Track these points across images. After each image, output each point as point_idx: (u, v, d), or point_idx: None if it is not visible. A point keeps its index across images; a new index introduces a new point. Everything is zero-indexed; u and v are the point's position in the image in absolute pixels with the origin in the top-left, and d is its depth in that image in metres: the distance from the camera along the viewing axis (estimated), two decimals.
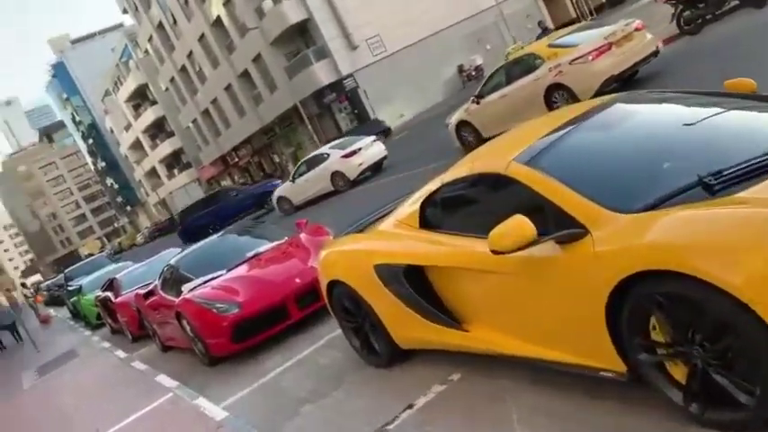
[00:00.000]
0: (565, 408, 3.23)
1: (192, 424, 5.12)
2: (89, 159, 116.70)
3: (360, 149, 19.05)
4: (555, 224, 2.96)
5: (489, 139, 12.75)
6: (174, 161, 69.63)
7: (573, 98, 11.24)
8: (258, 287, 6.76)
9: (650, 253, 2.54)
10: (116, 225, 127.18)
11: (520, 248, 2.91)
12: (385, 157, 19.55)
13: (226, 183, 60.82)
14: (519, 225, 2.92)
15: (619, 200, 2.86)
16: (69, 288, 21.36)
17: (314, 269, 6.67)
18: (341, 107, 39.57)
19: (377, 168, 19.35)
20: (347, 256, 4.63)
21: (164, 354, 9.08)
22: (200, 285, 7.39)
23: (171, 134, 65.43)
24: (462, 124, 13.82)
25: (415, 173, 15.56)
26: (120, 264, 18.70)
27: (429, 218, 3.99)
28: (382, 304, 4.28)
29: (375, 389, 4.47)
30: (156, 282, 8.96)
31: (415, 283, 3.95)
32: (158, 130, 68.19)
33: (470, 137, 13.71)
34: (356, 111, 38.13)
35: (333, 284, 4.76)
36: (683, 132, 3.26)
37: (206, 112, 54.40)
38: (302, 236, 7.65)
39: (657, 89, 5.72)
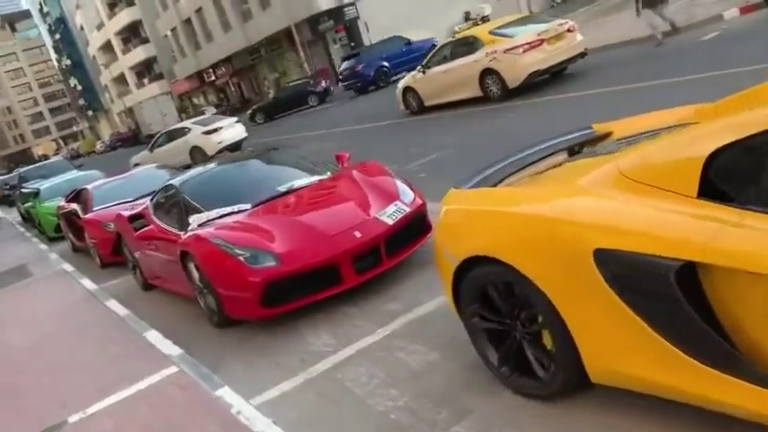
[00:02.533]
0: None
1: None
2: (53, 56, 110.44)
3: (221, 128, 20.16)
4: None
5: (431, 107, 14.55)
6: (146, 70, 65.74)
7: (503, 84, 12.37)
8: (302, 236, 4.98)
9: None
10: (75, 129, 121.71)
11: None
12: (245, 138, 20.79)
13: (199, 101, 57.75)
14: None
15: None
16: (24, 190, 19.08)
17: (378, 222, 4.99)
18: (336, 37, 37.05)
19: (236, 148, 19.97)
20: (516, 223, 2.89)
21: (145, 293, 7.29)
22: (215, 219, 5.60)
23: (146, 40, 61.41)
24: (408, 89, 15.08)
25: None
26: (86, 172, 16.52)
27: (723, 184, 2.28)
28: (589, 311, 2.60)
29: None
30: (147, 204, 7.11)
31: (687, 294, 2.27)
32: (133, 34, 63.96)
33: (414, 102, 15.04)
34: (353, 43, 35.67)
35: (472, 261, 3.05)
36: None
37: (187, 22, 50.87)
38: (355, 173, 5.86)
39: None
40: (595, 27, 18.75)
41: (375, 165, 6.07)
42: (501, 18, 14.72)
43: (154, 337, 5.30)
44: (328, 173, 6.14)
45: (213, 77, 52.80)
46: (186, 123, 22.16)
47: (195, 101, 59.02)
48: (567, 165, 3.40)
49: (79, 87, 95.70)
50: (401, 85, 15.33)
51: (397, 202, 5.28)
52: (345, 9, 34.75)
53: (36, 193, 15.83)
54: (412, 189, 5.55)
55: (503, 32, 12.73)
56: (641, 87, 9.67)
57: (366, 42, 34.80)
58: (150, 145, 21.89)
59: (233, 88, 52.11)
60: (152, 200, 7.07)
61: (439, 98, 14.10)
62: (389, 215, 5.12)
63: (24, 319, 7.28)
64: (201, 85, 55.45)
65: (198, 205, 5.91)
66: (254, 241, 4.97)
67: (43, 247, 13.24)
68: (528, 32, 12.33)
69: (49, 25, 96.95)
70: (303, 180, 5.98)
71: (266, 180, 6.14)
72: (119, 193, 10.04)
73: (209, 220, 5.63)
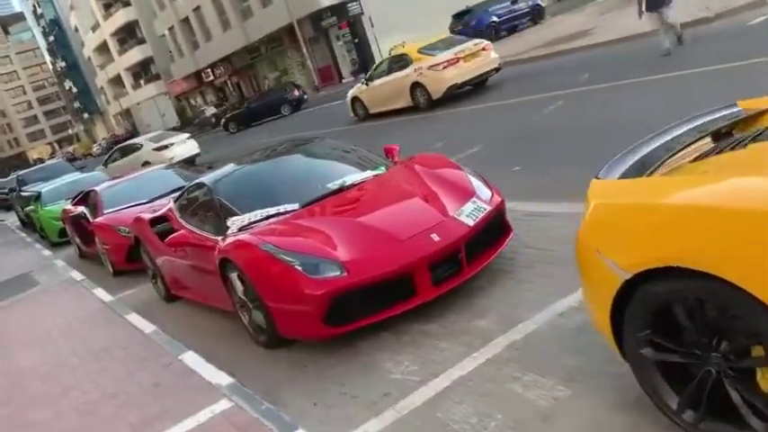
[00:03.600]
0: None
1: None
2: (48, 58, 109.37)
3: (172, 144, 20.43)
4: None
5: (375, 114, 16.60)
6: (142, 71, 64.78)
7: (428, 96, 14.50)
8: (369, 240, 4.23)
9: None
10: (70, 132, 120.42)
11: None
12: (198, 154, 20.93)
13: (196, 102, 56.96)
14: None
15: None
16: (23, 194, 18.27)
17: (457, 222, 4.26)
18: (339, 34, 36.24)
19: (190, 163, 19.87)
20: (730, 222, 2.10)
21: (168, 305, 6.53)
22: (259, 222, 4.84)
23: (142, 41, 60.44)
24: (355, 99, 17.24)
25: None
26: (88, 174, 15.72)
27: None
28: None
29: None
30: (171, 206, 6.35)
31: None
32: (129, 34, 63.00)
33: (360, 110, 17.12)
34: (357, 40, 34.88)
35: (657, 273, 2.28)
36: None
37: (185, 21, 49.98)
38: (418, 167, 5.11)
39: None
40: (611, 19, 18.08)
41: (439, 157, 5.32)
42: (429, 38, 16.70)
43: (192, 360, 4.53)
44: (382, 167, 5.39)
45: (211, 77, 51.90)
46: (139, 139, 23.11)
47: (193, 101, 58.19)
48: (752, 147, 2.65)
49: (74, 90, 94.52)
50: (350, 95, 17.52)
51: (475, 200, 4.53)
52: (349, 5, 33.92)
53: (37, 197, 15.04)
54: (488, 185, 4.80)
55: (428, 51, 14.78)
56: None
57: (371, 38, 34.04)
58: (105, 160, 22.49)
59: (232, 88, 51.26)
60: (176, 201, 6.32)
61: (380, 107, 16.18)
62: (468, 215, 4.38)
63: (34, 337, 6.49)
64: (199, 85, 54.57)
65: (235, 206, 5.14)
66: (312, 247, 4.21)
67: (47, 253, 12.46)
68: (448, 52, 14.39)
69: (43, 27, 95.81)
70: (355, 176, 5.22)
71: (312, 176, 5.38)
72: (130, 194, 9.30)
73: (250, 223, 4.88)
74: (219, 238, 4.90)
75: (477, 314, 4.08)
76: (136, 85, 65.36)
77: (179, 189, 9.15)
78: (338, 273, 4.02)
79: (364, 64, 34.79)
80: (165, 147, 20.34)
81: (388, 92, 15.63)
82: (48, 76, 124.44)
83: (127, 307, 6.60)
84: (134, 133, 55.69)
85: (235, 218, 4.99)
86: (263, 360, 4.45)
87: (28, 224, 17.24)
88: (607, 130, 7.47)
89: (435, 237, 4.17)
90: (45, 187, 15.16)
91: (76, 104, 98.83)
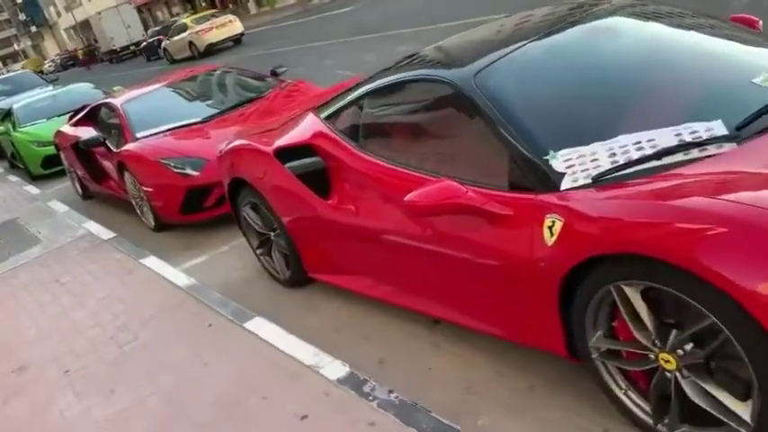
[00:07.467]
0: None
1: None
2: None
3: None
4: None
5: (177, 59, 27.44)
6: None
7: (199, 52, 25.05)
8: None
9: None
10: (16, 47, 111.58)
11: None
12: None
13: (163, 14, 51.88)
14: None
15: None
16: None
17: None
18: None
19: None
20: None
21: (298, 295, 3.81)
22: (648, 161, 2.12)
23: None
24: (165, 49, 28.13)
25: None
26: (73, 87, 12.34)
27: None
28: None
29: None
30: (318, 126, 3.55)
31: None
32: None
33: (169, 57, 27.60)
34: None
35: None
36: None
37: None
38: None
39: None
40: None
41: None
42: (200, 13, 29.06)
43: None
44: None
45: None
46: None
47: (159, 14, 53.02)
48: None
49: (19, 0, 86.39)
50: (162, 45, 28.35)
51: None
52: None
53: (7, 114, 11.81)
54: None
55: (198, 22, 25.85)
56: None
57: None
58: None
59: None
60: (330, 118, 3.49)
61: (178, 55, 26.49)
62: None
63: (77, 358, 3.69)
64: None
65: (546, 128, 2.39)
66: None
67: (31, 189, 9.39)
68: (207, 23, 25.19)
69: None
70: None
71: (700, 62, 2.63)
72: (168, 111, 6.44)
73: (626, 164, 2.16)
74: (542, 196, 2.18)
75: None
76: None
77: (247, 102, 6.33)
78: None
79: None
80: None
81: (179, 46, 26.32)
82: None
83: (232, 300, 3.85)
84: (93, 48, 50.47)
85: (571, 151, 2.24)
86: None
87: None
88: None
89: None
90: (17, 104, 11.86)
91: (22, 17, 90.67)
